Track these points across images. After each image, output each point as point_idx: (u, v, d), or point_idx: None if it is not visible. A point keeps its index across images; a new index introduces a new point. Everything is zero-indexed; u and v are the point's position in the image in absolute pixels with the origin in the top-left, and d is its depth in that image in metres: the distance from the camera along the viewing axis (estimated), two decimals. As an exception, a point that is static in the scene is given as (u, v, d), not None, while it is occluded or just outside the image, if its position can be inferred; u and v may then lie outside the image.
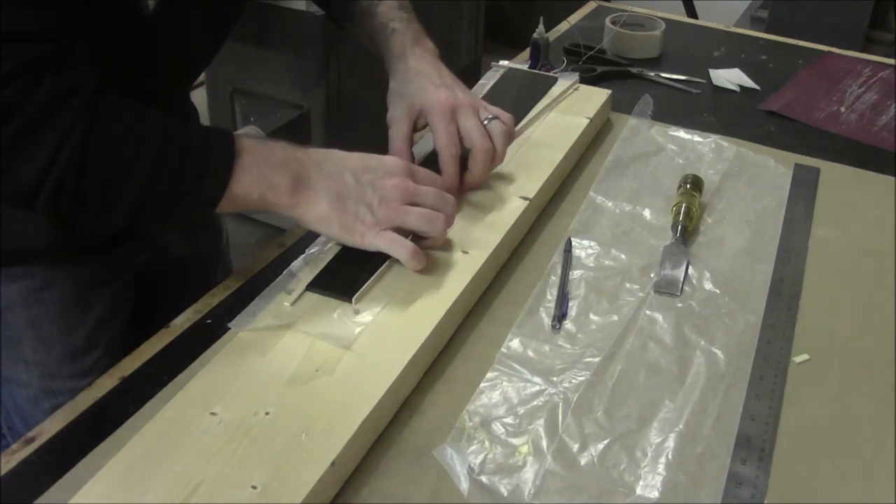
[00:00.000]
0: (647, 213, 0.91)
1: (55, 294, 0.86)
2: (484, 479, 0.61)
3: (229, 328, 0.71)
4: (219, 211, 0.69)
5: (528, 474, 0.62)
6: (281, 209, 0.71)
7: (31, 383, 0.88)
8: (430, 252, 0.77)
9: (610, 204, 0.93)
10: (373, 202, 0.73)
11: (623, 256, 0.85)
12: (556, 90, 1.07)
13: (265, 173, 0.69)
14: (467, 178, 0.85)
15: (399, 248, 0.73)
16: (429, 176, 0.78)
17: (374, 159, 0.75)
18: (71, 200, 0.64)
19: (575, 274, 0.82)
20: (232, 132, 0.69)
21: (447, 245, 0.79)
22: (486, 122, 0.85)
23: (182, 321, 0.75)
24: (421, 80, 0.85)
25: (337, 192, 0.72)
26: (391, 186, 0.73)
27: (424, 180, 0.77)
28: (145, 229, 0.69)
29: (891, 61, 1.35)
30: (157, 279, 0.98)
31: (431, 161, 0.85)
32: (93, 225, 0.65)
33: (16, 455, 0.62)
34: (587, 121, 1.01)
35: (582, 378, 0.70)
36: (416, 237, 0.76)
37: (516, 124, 0.98)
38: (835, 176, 1.01)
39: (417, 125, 0.87)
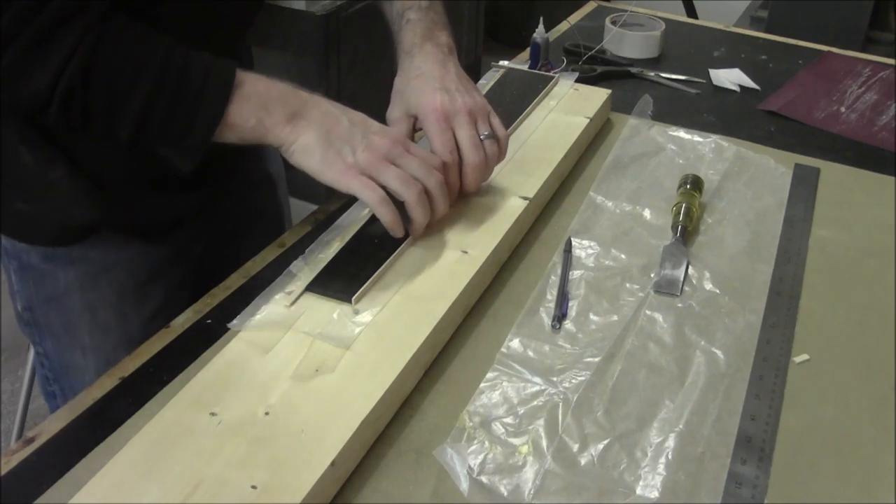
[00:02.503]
0: (647, 213, 0.91)
1: (111, 279, 0.88)
2: (484, 479, 0.61)
3: (229, 328, 0.71)
4: (217, 139, 0.72)
5: (528, 474, 0.62)
6: (276, 137, 0.73)
7: (87, 368, 0.91)
8: (429, 252, 0.77)
9: (610, 204, 0.93)
10: (357, 147, 0.74)
11: (623, 256, 0.85)
12: (555, 90, 1.08)
13: (264, 103, 0.73)
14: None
15: (369, 192, 0.73)
16: (426, 154, 0.78)
17: (376, 122, 0.78)
18: (80, 112, 0.68)
19: (575, 274, 0.82)
20: (236, 65, 0.72)
21: (447, 245, 0.79)
22: (482, 137, 0.82)
23: (182, 321, 0.75)
24: (421, 81, 0.83)
25: (329, 128, 0.74)
26: (379, 141, 0.75)
27: (419, 154, 0.77)
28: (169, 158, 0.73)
29: (891, 61, 1.34)
30: (216, 277, 0.98)
31: None
32: (104, 135, 0.70)
33: (16, 455, 0.62)
34: (587, 121, 1.01)
35: (582, 378, 0.70)
36: (405, 221, 0.75)
37: (516, 124, 0.99)
38: (835, 176, 1.01)
39: (416, 126, 0.87)
